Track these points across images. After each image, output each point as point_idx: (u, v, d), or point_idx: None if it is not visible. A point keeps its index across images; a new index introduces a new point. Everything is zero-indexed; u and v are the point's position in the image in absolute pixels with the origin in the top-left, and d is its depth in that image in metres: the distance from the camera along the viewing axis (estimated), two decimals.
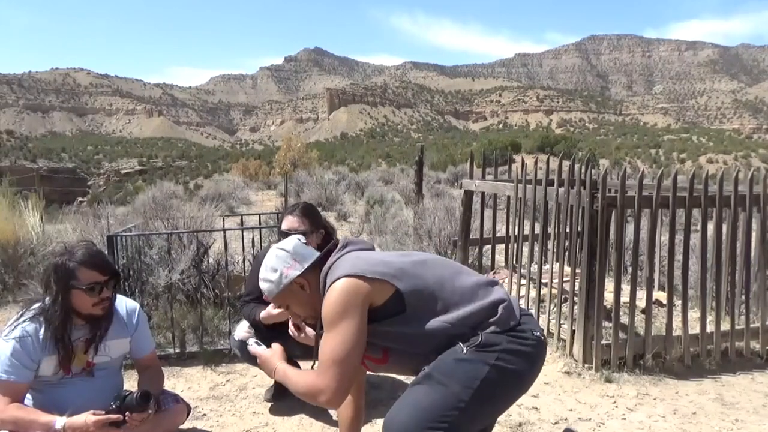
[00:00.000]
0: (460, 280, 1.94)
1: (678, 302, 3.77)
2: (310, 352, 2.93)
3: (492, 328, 1.86)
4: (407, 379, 3.34)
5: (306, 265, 1.99)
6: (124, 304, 2.54)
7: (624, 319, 3.76)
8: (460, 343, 1.84)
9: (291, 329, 2.30)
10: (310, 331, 2.27)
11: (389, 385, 3.33)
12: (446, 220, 6.63)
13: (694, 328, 3.81)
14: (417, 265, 1.95)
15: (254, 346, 2.15)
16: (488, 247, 5.81)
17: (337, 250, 2.02)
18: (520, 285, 4.38)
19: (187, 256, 4.36)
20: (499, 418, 2.56)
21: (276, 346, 2.12)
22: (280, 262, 1.99)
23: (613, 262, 3.87)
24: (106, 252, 3.68)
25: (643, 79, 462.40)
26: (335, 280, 1.87)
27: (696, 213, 3.92)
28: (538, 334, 1.92)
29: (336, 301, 1.84)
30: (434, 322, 1.87)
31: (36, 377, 2.29)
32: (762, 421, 3.06)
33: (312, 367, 2.05)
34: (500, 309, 1.89)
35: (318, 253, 2.04)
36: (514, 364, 1.84)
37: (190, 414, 2.74)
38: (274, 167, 24.61)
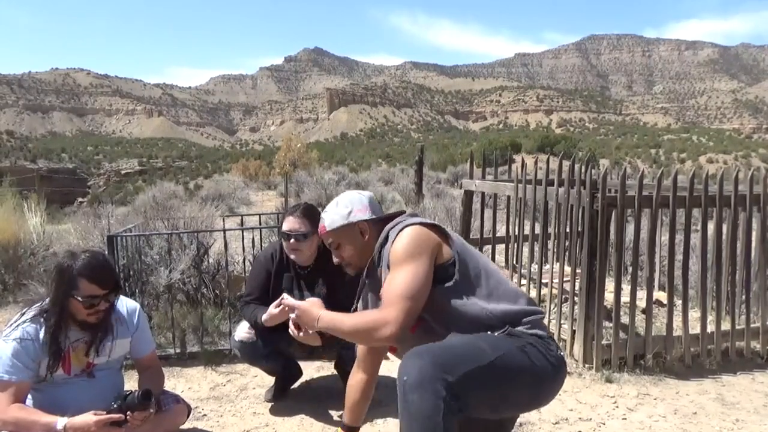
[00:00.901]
0: (506, 282, 2.02)
1: (678, 302, 3.77)
2: (310, 352, 2.94)
3: (521, 328, 1.91)
4: None
5: (374, 216, 2.09)
6: (124, 304, 2.54)
7: (624, 319, 3.76)
8: (490, 332, 1.89)
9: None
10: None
11: (390, 385, 3.32)
12: (446, 220, 6.64)
13: (695, 328, 3.81)
14: (475, 251, 2.05)
15: (289, 299, 2.19)
16: (488, 247, 5.81)
17: (405, 215, 2.10)
18: (520, 285, 4.38)
19: (188, 256, 4.36)
20: None
21: (313, 298, 2.16)
22: (355, 203, 2.09)
23: (613, 262, 3.87)
24: (106, 252, 3.68)
25: (643, 78, 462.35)
26: (406, 227, 1.95)
27: (696, 213, 3.92)
28: (563, 354, 1.97)
29: (409, 241, 1.90)
30: (473, 305, 1.90)
31: (37, 377, 2.29)
32: (762, 421, 3.06)
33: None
34: (534, 316, 1.96)
35: (389, 214, 2.14)
36: (538, 361, 1.85)
37: (191, 414, 2.74)
38: (274, 167, 24.61)
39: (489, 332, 1.88)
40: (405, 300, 1.83)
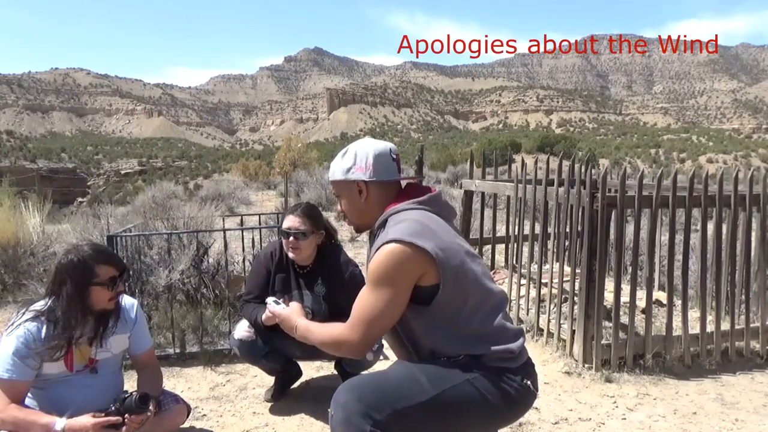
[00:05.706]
0: (490, 316, 1.84)
1: (678, 302, 3.77)
2: (309, 351, 2.94)
3: (483, 361, 1.80)
4: None
5: (375, 179, 1.89)
6: (123, 299, 2.54)
7: (624, 318, 3.76)
8: (445, 358, 1.81)
9: None
10: None
11: None
12: None
13: (694, 328, 3.81)
14: (475, 282, 1.83)
15: (273, 305, 2.18)
16: (488, 246, 5.82)
17: (420, 199, 1.90)
18: (520, 285, 4.38)
19: (187, 256, 4.36)
20: None
21: (294, 304, 2.15)
22: (359, 159, 1.90)
23: (613, 262, 3.87)
24: None
25: (643, 78, 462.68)
26: (397, 241, 1.74)
27: (696, 213, 3.92)
28: (529, 383, 1.84)
29: (388, 264, 1.74)
30: (439, 336, 1.81)
31: (38, 376, 2.29)
32: (762, 420, 3.06)
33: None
34: (503, 352, 1.81)
35: (398, 178, 1.95)
36: (489, 393, 1.76)
37: (190, 414, 2.74)
38: (274, 167, 24.64)
39: (444, 358, 1.80)
40: (366, 325, 1.77)
